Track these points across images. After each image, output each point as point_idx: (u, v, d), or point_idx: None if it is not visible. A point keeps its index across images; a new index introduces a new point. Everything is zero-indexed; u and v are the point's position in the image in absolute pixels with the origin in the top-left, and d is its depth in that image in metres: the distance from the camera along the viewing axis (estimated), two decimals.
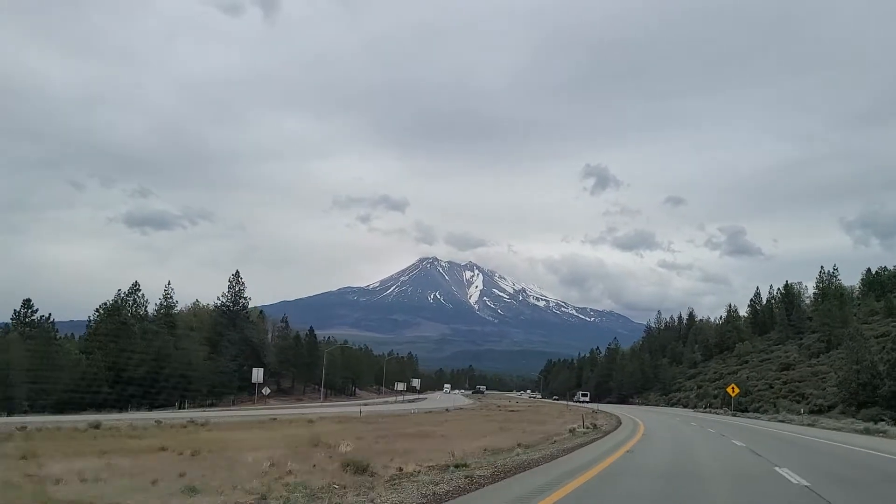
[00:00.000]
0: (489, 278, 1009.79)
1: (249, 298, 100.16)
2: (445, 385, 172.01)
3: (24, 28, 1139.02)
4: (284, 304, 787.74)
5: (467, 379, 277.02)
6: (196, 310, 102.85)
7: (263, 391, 79.90)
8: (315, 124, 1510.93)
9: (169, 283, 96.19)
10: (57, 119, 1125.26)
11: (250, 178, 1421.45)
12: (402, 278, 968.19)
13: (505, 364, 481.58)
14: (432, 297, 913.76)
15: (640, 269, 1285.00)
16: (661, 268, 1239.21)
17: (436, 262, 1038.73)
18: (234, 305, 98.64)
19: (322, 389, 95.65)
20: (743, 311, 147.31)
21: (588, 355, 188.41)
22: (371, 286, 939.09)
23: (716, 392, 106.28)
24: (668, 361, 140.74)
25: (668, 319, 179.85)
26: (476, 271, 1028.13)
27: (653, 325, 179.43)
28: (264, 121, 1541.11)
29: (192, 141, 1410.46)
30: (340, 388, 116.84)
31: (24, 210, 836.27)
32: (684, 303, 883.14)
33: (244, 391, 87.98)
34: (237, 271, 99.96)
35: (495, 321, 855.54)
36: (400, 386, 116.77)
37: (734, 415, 65.26)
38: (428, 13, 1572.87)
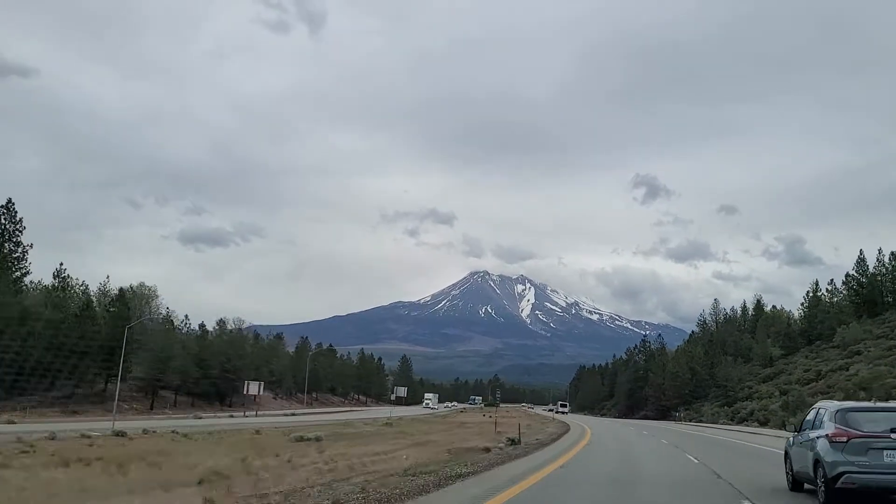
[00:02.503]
0: (541, 291, 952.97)
1: (29, 246, 58.19)
2: (427, 395, 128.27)
3: (80, 51, 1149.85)
4: (336, 319, 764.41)
5: (490, 390, 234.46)
6: None
7: None
8: (362, 139, 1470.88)
9: None
10: (113, 140, 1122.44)
11: (299, 193, 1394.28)
12: (452, 292, 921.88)
13: (557, 378, 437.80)
14: (483, 310, 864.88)
15: (695, 280, 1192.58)
16: (716, 279, 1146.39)
17: (487, 276, 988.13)
18: None
19: (119, 394, 52.83)
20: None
21: (624, 357, 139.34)
22: (422, 300, 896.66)
23: (816, 399, 58.13)
24: (731, 359, 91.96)
25: (727, 311, 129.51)
26: (527, 284, 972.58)
27: (707, 319, 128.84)
28: (312, 136, 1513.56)
29: (242, 158, 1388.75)
30: (219, 392, 72.58)
31: (83, 229, 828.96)
32: None
33: None
34: (9, 199, 58.17)
35: (548, 335, 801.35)
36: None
37: None
38: (472, 26, 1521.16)
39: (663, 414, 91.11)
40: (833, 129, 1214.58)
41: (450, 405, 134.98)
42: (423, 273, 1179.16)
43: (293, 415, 63.65)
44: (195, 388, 68.58)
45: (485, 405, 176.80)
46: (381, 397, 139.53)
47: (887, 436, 10.90)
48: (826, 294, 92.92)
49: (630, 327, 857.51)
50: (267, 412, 67.76)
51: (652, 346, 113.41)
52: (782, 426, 55.56)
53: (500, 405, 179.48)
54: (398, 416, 57.47)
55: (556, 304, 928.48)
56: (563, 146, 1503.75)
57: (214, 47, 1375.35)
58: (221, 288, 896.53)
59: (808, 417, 13.22)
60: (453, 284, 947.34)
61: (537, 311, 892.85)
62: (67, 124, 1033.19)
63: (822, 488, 11.33)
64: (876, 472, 10.74)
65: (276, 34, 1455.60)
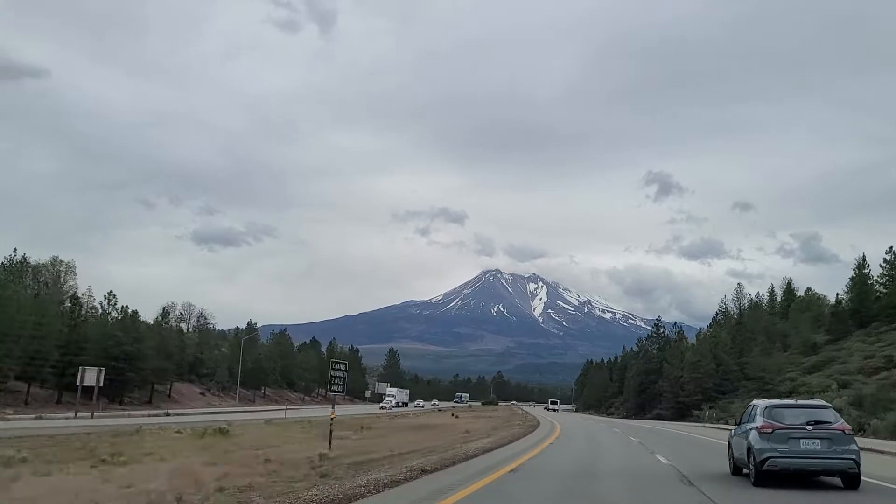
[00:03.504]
0: (553, 290, 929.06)
1: None
2: (388, 391, 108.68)
3: (90, 53, 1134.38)
4: (348, 319, 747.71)
5: (492, 389, 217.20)
6: None
7: None
8: (371, 139, 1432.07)
9: None
10: (124, 140, 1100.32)
11: (310, 193, 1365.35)
12: (465, 291, 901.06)
13: (570, 377, 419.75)
14: (496, 309, 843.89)
15: (709, 278, 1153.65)
16: (730, 277, 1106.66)
17: (499, 275, 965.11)
18: None
19: None
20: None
21: (634, 348, 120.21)
22: (434, 299, 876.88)
23: None
24: (767, 344, 72.98)
25: (753, 297, 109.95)
26: (540, 283, 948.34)
27: (730, 305, 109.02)
28: (322, 136, 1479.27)
29: (252, 158, 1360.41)
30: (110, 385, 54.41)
31: (96, 231, 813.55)
32: None
33: None
34: None
35: (560, 334, 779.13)
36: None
37: None
38: (480, 26, 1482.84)
39: (681, 413, 72.80)
40: (847, 126, 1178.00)
41: (421, 403, 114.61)
42: (435, 272, 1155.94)
43: (167, 414, 46.59)
44: (64, 378, 51.20)
45: (482, 403, 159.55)
46: (357, 394, 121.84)
47: (804, 427, 12.98)
48: (884, 266, 73.81)
49: (643, 326, 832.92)
50: (143, 411, 50.67)
51: (667, 333, 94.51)
52: (859, 430, 37.81)
53: (499, 403, 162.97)
54: (301, 418, 39.90)
55: (568, 302, 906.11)
56: (573, 144, 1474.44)
57: (225, 48, 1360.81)
58: (234, 288, 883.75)
59: (746, 412, 15.23)
60: (465, 283, 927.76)
61: (549, 310, 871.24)
62: (78, 126, 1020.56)
63: (753, 471, 13.30)
64: (794, 457, 12.80)
65: (286, 33, 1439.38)
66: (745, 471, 14.31)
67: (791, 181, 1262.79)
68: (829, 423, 13.01)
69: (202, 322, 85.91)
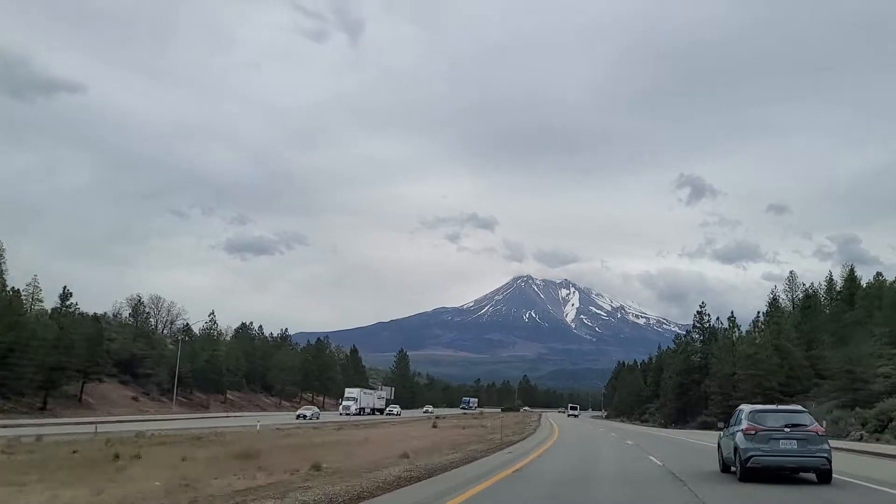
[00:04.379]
0: (585, 296, 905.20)
1: None
2: (349, 392, 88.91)
3: (119, 65, 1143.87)
4: (380, 326, 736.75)
5: (516, 395, 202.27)
6: None
7: None
8: (399, 145, 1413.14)
9: None
10: (154, 151, 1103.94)
11: (340, 201, 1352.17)
12: (496, 297, 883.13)
13: (604, 382, 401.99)
14: (527, 315, 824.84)
15: (744, 282, 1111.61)
16: (766, 280, 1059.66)
17: (530, 280, 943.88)
18: None
19: None
20: None
21: (672, 346, 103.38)
22: (465, 306, 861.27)
23: None
24: (853, 329, 56.34)
25: (807, 286, 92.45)
26: (572, 289, 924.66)
27: (782, 296, 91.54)
28: (350, 144, 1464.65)
29: (283, 167, 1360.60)
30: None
31: (131, 241, 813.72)
32: None
33: None
34: None
35: (593, 339, 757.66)
36: None
37: None
38: (507, 31, 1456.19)
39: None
40: (880, 126, 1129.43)
41: (396, 410, 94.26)
42: (466, 278, 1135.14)
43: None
44: None
45: (501, 410, 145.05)
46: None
47: (782, 429, 14.35)
48: None
49: (678, 331, 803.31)
50: None
51: (713, 324, 77.36)
52: None
53: (523, 409, 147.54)
54: (127, 431, 25.49)
55: (601, 308, 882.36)
56: (603, 148, 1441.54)
57: (254, 57, 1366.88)
58: (267, 296, 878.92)
59: (734, 416, 16.28)
60: (496, 289, 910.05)
61: (582, 316, 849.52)
62: (109, 137, 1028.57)
63: (739, 468, 14.68)
64: (773, 455, 14.19)
65: (315, 42, 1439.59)
66: (732, 468, 15.54)
67: (826, 182, 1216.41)
68: (805, 425, 14.47)
69: (139, 312, 72.22)
